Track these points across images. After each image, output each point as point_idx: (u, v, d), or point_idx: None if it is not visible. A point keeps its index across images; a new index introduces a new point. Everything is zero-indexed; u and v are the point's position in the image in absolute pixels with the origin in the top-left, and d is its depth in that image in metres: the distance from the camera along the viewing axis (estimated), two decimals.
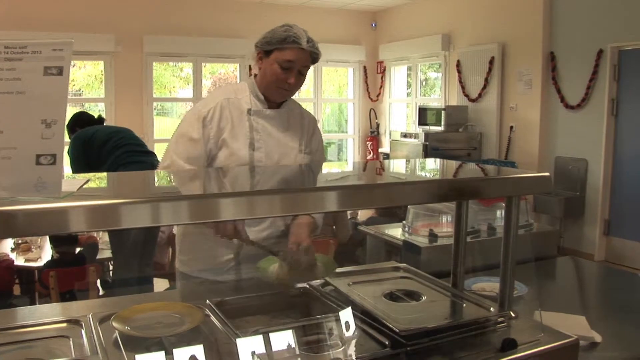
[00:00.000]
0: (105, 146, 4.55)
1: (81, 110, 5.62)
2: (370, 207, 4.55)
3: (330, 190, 1.64)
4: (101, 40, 8.63)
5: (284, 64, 2.29)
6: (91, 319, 1.80)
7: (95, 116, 5.13)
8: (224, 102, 2.34)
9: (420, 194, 1.73)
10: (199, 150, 2.30)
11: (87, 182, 1.48)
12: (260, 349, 1.59)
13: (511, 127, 7.99)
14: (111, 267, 4.92)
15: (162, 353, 1.38)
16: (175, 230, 4.75)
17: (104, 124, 5.09)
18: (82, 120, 4.95)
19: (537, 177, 1.96)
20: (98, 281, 4.33)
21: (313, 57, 2.35)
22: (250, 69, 8.85)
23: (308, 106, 10.78)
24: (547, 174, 1.92)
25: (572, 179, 7.18)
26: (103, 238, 4.92)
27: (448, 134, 8.28)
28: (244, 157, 2.31)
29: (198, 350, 1.50)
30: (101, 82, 9.23)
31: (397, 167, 1.93)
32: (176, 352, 1.46)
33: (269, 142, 2.37)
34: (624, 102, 6.76)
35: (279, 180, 2.11)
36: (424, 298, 2.06)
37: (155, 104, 9.43)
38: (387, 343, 1.67)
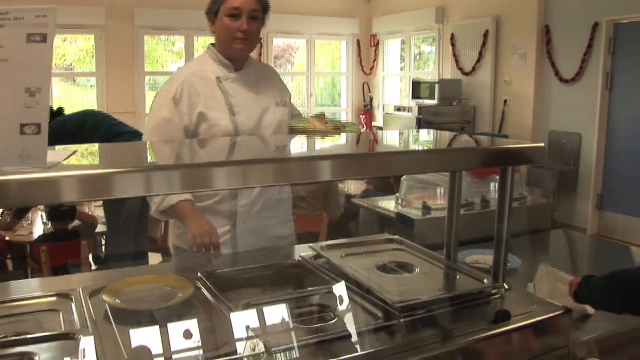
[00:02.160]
0: (78, 133, 4.45)
1: None
2: (364, 176, 4.53)
3: (322, 159, 1.61)
4: (91, 14, 8.52)
5: (231, 12, 2.29)
6: (81, 293, 1.78)
7: (55, 108, 4.86)
8: (190, 76, 2.34)
9: (413, 163, 1.71)
10: (175, 130, 2.29)
11: (74, 153, 1.46)
12: (254, 321, 1.58)
13: (505, 101, 7.97)
14: (104, 242, 4.90)
15: (156, 327, 1.36)
16: None
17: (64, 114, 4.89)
18: None
19: (531, 148, 1.94)
20: (90, 256, 4.31)
21: (261, 1, 2.36)
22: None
23: (301, 79, 10.72)
24: (541, 144, 1.90)
25: (566, 153, 7.18)
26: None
27: (441, 107, 8.25)
28: (227, 125, 2.30)
29: (192, 324, 1.49)
30: (92, 56, 9.13)
31: (391, 138, 1.91)
32: (170, 326, 1.45)
33: (247, 103, 2.37)
34: (618, 75, 6.73)
35: (274, 149, 2.09)
36: (417, 270, 2.05)
37: (147, 78, 9.35)
38: (380, 315, 1.66)
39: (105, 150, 1.87)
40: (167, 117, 2.29)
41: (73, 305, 1.73)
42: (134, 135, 4.42)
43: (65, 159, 1.37)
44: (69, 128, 4.46)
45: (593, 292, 1.75)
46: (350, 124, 2.33)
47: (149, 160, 1.82)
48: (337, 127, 2.20)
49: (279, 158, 1.75)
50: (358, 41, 10.67)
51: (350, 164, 1.63)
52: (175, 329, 1.41)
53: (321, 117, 2.27)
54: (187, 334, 1.39)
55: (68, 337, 1.50)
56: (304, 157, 1.75)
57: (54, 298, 1.80)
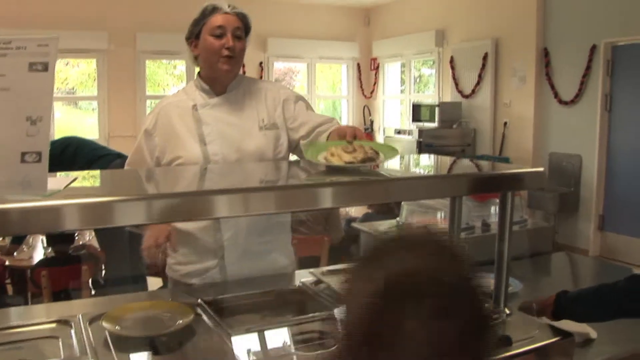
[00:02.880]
0: (63, 156, 4.48)
1: None
2: (363, 203, 4.51)
3: (319, 187, 1.61)
4: (94, 38, 8.59)
5: (214, 31, 2.23)
6: (81, 319, 1.78)
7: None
8: (166, 107, 2.32)
9: (414, 190, 1.71)
10: (142, 162, 2.29)
11: (74, 180, 1.46)
12: (255, 348, 1.57)
13: (505, 123, 7.99)
14: (103, 267, 4.88)
15: (157, 354, 1.36)
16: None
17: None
18: None
19: (530, 173, 1.94)
20: (90, 280, 4.30)
21: (242, 20, 2.29)
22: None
23: None
24: (541, 169, 1.90)
25: (566, 174, 7.18)
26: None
27: (442, 130, 8.27)
28: (197, 155, 2.22)
29: (192, 351, 1.49)
30: (94, 80, 9.18)
31: (391, 163, 1.91)
32: (171, 353, 1.45)
33: (223, 131, 2.26)
34: (618, 97, 6.75)
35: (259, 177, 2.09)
36: None
37: (148, 101, 9.38)
38: None
39: (105, 177, 1.87)
40: (137, 147, 2.31)
41: (73, 331, 1.73)
42: (116, 157, 4.45)
43: (66, 186, 1.37)
44: (50, 155, 4.47)
45: (576, 305, 1.77)
46: (388, 149, 1.88)
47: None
48: (369, 158, 1.75)
49: (281, 186, 1.75)
50: (358, 64, 10.73)
51: (341, 192, 1.61)
52: (176, 356, 1.40)
53: (347, 144, 1.81)
54: None
55: None
56: (303, 185, 1.75)
57: (53, 325, 1.79)
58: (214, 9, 2.26)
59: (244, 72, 2.50)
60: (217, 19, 2.24)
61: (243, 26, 2.29)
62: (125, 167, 2.38)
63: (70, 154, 4.51)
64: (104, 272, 4.67)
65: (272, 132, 2.31)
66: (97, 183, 1.75)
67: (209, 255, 2.28)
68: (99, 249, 4.61)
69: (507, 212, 1.88)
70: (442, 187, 1.79)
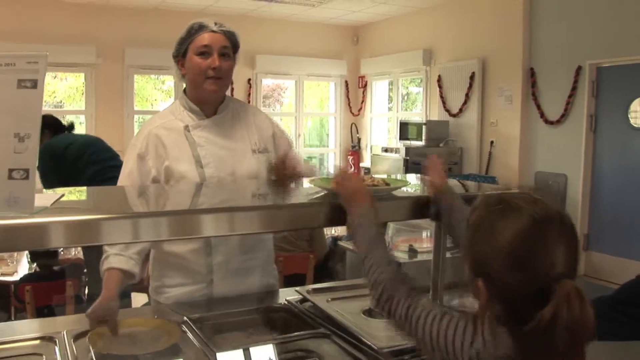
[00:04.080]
0: (78, 162, 4.45)
1: (47, 114, 5.00)
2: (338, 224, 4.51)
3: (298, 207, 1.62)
4: (82, 52, 8.58)
5: (200, 50, 2.19)
6: (65, 336, 1.77)
7: (66, 124, 4.87)
8: (155, 129, 2.23)
9: (395, 211, 1.73)
10: (144, 180, 2.20)
11: (61, 197, 1.46)
12: None
13: (492, 142, 8.04)
14: (87, 282, 4.84)
15: None
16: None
17: (71, 134, 4.87)
18: (50, 125, 4.70)
19: (516, 192, 1.95)
20: (75, 296, 4.27)
21: (230, 39, 2.25)
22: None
23: (289, 120, 10.79)
24: (525, 192, 1.91)
25: (552, 193, 7.21)
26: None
27: (429, 148, 8.30)
28: (194, 178, 2.16)
29: None
30: (82, 94, 9.17)
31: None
32: None
33: (218, 153, 2.22)
34: (602, 118, 6.82)
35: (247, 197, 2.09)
36: None
37: (136, 116, 9.37)
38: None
39: (92, 194, 1.87)
40: (129, 171, 2.20)
41: (57, 348, 1.72)
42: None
43: (53, 203, 1.37)
44: (69, 155, 4.44)
45: None
46: (397, 181, 1.92)
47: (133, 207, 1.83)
48: (373, 185, 1.77)
49: (267, 206, 1.76)
50: (346, 82, 10.78)
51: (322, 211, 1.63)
52: None
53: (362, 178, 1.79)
54: None
55: None
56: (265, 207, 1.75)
57: (37, 341, 1.79)
58: (200, 27, 2.21)
59: (232, 89, 2.50)
60: (203, 38, 2.19)
61: (231, 45, 2.25)
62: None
63: (85, 162, 4.45)
64: (88, 287, 4.63)
65: (264, 156, 2.30)
66: (84, 200, 1.74)
67: (197, 278, 2.23)
68: (84, 265, 4.58)
69: None
70: (425, 208, 1.80)
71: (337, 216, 1.59)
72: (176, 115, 2.28)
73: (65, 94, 9.73)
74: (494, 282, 1.16)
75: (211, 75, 2.19)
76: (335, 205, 1.57)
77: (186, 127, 2.24)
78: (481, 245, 1.19)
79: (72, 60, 8.50)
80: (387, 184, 1.80)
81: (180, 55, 2.27)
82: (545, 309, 1.07)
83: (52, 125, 4.75)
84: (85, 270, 4.63)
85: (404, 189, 1.91)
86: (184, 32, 2.24)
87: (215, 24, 2.23)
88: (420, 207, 1.79)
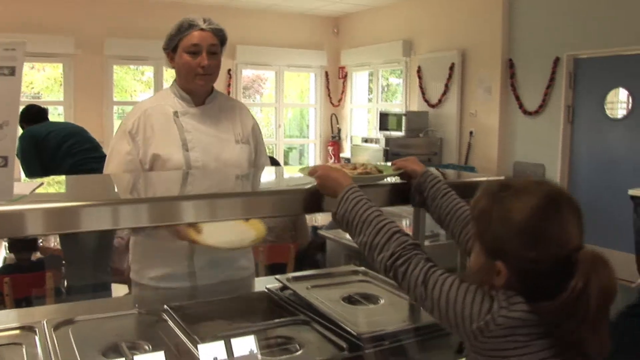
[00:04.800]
0: (59, 150, 4.43)
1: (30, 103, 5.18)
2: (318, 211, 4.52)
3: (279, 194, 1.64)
4: (60, 43, 8.48)
5: (190, 49, 2.27)
6: (45, 326, 1.77)
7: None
8: (148, 110, 2.31)
9: (376, 196, 1.74)
10: (135, 164, 2.26)
11: (40, 185, 1.46)
12: (221, 354, 1.58)
13: (471, 133, 8.10)
14: (66, 273, 4.81)
15: None
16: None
17: (54, 121, 4.84)
18: (31, 114, 4.74)
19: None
20: (55, 288, 4.25)
21: (219, 36, 2.33)
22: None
23: (269, 111, 10.78)
24: (502, 178, 1.94)
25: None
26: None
27: (409, 139, 8.34)
28: (179, 160, 2.24)
29: (159, 357, 1.49)
30: (60, 84, 9.08)
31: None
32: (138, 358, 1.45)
33: (203, 140, 2.31)
34: (580, 109, 6.89)
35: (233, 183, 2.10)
36: (383, 301, 2.08)
37: (115, 107, 9.30)
38: (344, 346, 1.67)
39: (72, 182, 1.87)
40: (128, 150, 2.26)
41: (37, 338, 1.71)
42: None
43: (32, 191, 1.37)
44: (50, 143, 4.41)
45: None
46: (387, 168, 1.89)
47: (115, 193, 1.82)
48: (366, 172, 1.78)
49: (247, 192, 1.76)
50: (326, 73, 10.78)
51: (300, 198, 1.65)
52: None
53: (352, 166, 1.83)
54: None
55: None
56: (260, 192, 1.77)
57: (17, 331, 1.78)
58: (190, 26, 2.28)
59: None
60: (193, 37, 2.27)
61: (219, 41, 2.33)
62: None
63: (65, 151, 4.43)
64: (67, 279, 4.61)
65: (247, 147, 2.42)
66: (63, 188, 1.74)
67: (178, 260, 2.27)
68: (63, 256, 4.55)
69: None
70: (404, 195, 1.82)
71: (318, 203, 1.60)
72: (167, 101, 2.36)
73: (43, 85, 9.63)
74: (515, 261, 1.21)
75: (200, 73, 2.29)
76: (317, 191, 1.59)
77: (175, 113, 2.32)
78: (496, 229, 1.24)
79: (50, 51, 8.40)
80: (380, 171, 1.81)
81: (170, 49, 2.35)
82: (576, 278, 1.16)
83: (34, 113, 4.73)
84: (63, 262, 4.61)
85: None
86: (174, 29, 2.31)
87: (205, 21, 2.30)
88: (402, 193, 1.80)
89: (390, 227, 1.43)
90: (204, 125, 2.34)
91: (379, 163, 1.97)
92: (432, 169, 1.82)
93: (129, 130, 2.27)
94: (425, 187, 1.74)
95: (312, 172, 1.65)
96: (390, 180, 1.86)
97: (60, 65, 8.93)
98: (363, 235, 1.45)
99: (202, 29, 2.28)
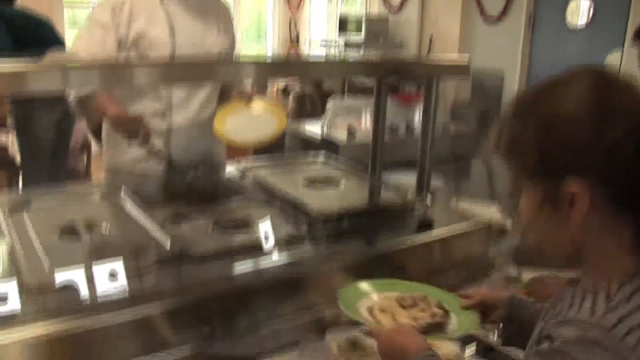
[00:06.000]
0: (22, 36, 4.17)
1: None
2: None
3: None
4: None
5: None
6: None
7: None
8: None
9: (343, 69, 1.71)
10: (108, 35, 2.23)
11: None
12: (174, 230, 1.59)
13: (430, 38, 8.03)
14: (20, 175, 4.72)
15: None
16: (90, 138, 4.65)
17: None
18: None
19: (455, 61, 1.97)
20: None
21: None
22: None
23: None
24: (465, 59, 1.93)
25: (489, 91, 7.32)
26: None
27: (368, 42, 8.24)
28: (165, 44, 2.25)
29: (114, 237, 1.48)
30: None
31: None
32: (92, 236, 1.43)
33: (188, 25, 2.32)
34: (541, 16, 6.87)
35: None
36: (343, 185, 2.08)
37: (66, 10, 8.73)
38: (304, 226, 1.68)
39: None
40: (104, 21, 2.22)
41: None
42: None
43: None
44: (14, 25, 4.15)
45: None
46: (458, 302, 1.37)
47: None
48: (436, 323, 1.27)
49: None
50: None
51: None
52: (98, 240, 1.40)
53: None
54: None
55: None
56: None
57: None
58: None
59: None
60: None
61: None
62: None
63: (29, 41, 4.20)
64: (22, 181, 4.53)
65: (229, 37, 2.49)
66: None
67: (156, 139, 2.25)
68: (18, 156, 4.45)
69: (431, 101, 1.91)
70: (372, 69, 1.80)
71: None
72: None
73: None
74: (591, 160, 0.91)
75: None
76: None
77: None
78: (552, 133, 0.95)
79: None
80: (445, 311, 1.33)
81: None
82: None
83: None
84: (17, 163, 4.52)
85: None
86: None
87: None
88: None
89: None
90: (190, 13, 2.34)
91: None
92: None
93: (112, 5, 2.23)
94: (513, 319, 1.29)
95: (371, 333, 1.25)
96: None
97: None
98: None
99: None
